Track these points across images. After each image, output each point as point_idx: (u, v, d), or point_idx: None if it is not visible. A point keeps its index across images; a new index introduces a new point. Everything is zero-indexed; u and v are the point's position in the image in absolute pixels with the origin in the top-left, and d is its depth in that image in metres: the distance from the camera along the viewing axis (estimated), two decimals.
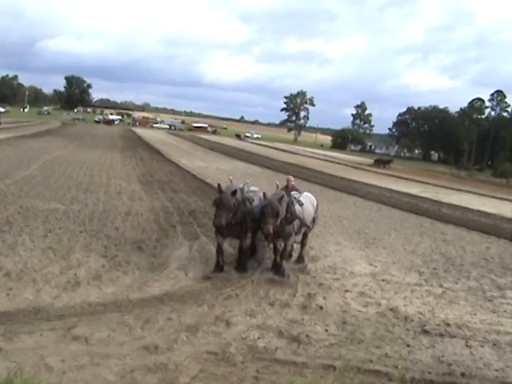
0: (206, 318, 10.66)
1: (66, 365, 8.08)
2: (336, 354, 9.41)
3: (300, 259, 15.56)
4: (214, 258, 14.19)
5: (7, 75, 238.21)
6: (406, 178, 62.21)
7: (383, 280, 14.51)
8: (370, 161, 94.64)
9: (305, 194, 16.10)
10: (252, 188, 15.77)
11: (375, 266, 15.89)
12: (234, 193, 13.52)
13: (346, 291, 13.20)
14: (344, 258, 16.44)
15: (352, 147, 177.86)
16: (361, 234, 21.01)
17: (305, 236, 15.73)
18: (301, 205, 14.58)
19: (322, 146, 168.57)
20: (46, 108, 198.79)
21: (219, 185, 13.93)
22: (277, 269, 14.08)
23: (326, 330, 10.54)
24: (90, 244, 15.03)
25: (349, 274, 14.80)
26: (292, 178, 17.04)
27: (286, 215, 13.61)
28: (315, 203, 16.25)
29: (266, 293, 12.54)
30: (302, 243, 15.81)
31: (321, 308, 11.77)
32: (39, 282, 11.78)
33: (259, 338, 9.84)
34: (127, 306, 10.81)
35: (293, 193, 15.11)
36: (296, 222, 14.17)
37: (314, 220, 15.94)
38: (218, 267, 13.85)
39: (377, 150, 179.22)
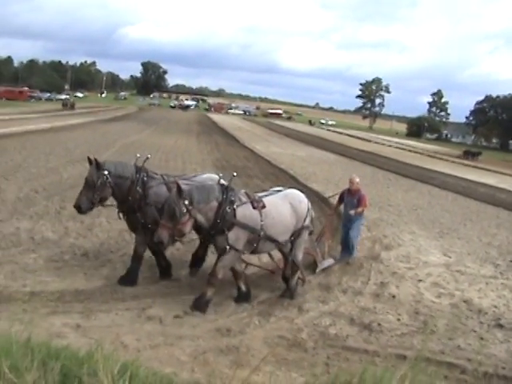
0: (279, 303, 10.76)
1: (141, 344, 8.31)
2: (408, 343, 9.36)
3: (287, 292, 11.31)
4: None
5: (86, 61, 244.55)
6: (483, 168, 60.94)
7: (457, 271, 14.27)
8: (447, 150, 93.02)
9: (288, 191, 11.57)
10: (204, 176, 12.31)
11: (449, 257, 15.66)
12: (97, 166, 10.67)
13: (420, 281, 13.05)
14: (418, 248, 16.26)
15: (428, 135, 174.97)
16: (435, 224, 20.72)
17: (290, 256, 11.31)
18: (256, 207, 10.31)
19: (397, 133, 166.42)
20: (122, 93, 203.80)
21: (88, 157, 11.11)
22: (196, 298, 10.23)
23: (398, 320, 10.48)
24: None
25: (422, 263, 14.63)
26: (357, 180, 14.20)
27: (216, 221, 9.82)
28: (302, 207, 11.21)
29: (339, 280, 12.52)
30: (291, 270, 11.42)
31: (393, 297, 11.70)
32: (115, 262, 12.15)
33: (331, 325, 9.88)
34: (201, 288, 10.94)
35: (274, 189, 11.68)
36: (241, 233, 10.12)
37: (299, 233, 11.22)
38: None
39: (453, 139, 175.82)
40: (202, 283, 10.86)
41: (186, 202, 9.44)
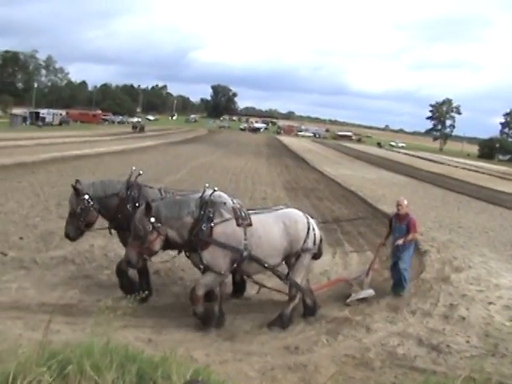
0: (347, 322, 10.78)
1: (210, 358, 8.51)
2: (477, 366, 9.16)
3: (277, 321, 10.39)
4: (355, 264, 14.33)
5: (157, 85, 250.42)
6: None
7: None
8: None
9: (285, 210, 10.74)
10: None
11: None
12: (76, 192, 10.56)
13: (490, 303, 12.83)
14: (489, 270, 15.96)
15: (500, 157, 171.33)
16: (507, 247, 20.32)
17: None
18: (241, 224, 9.70)
19: (468, 155, 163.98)
20: (193, 116, 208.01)
21: (77, 180, 10.94)
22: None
23: (468, 342, 10.35)
24: None
25: (493, 286, 14.36)
26: (405, 202, 12.84)
27: (190, 238, 9.47)
28: (298, 228, 10.28)
29: (408, 301, 12.43)
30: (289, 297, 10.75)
31: (463, 319, 11.54)
32: (186, 280, 12.44)
33: (399, 345, 9.86)
34: (270, 307, 11.08)
35: (274, 208, 11.09)
36: (220, 252, 9.53)
37: (298, 256, 10.38)
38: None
39: None
40: (272, 302, 11.06)
41: (152, 220, 9.23)
